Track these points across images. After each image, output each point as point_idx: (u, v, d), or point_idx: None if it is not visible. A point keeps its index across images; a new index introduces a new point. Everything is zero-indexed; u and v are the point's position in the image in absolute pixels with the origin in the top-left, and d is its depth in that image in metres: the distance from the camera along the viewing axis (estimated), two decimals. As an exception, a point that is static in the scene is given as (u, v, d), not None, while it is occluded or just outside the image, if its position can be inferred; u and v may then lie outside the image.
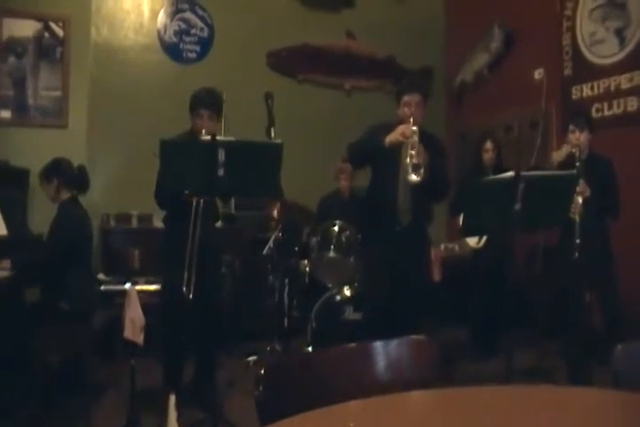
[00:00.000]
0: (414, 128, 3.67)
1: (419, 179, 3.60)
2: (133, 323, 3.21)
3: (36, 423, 3.48)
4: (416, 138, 3.65)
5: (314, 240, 4.75)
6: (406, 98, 3.86)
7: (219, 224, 4.46)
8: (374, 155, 3.86)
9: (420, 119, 3.79)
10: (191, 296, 3.34)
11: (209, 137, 2.94)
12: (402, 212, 3.90)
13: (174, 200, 3.54)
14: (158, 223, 4.82)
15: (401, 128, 3.70)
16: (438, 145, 4.00)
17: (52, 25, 5.51)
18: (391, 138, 3.72)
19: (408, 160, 3.63)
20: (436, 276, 5.04)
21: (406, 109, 3.83)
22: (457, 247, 6.09)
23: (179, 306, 3.55)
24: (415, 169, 3.60)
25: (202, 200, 3.45)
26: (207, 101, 3.70)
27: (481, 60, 6.63)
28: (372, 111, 5.51)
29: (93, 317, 4.13)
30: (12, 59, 5.42)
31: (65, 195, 4.07)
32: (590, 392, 1.63)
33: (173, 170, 2.94)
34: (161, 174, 3.08)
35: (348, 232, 4.65)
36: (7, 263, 3.92)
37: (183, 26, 6.32)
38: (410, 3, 7.13)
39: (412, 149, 3.63)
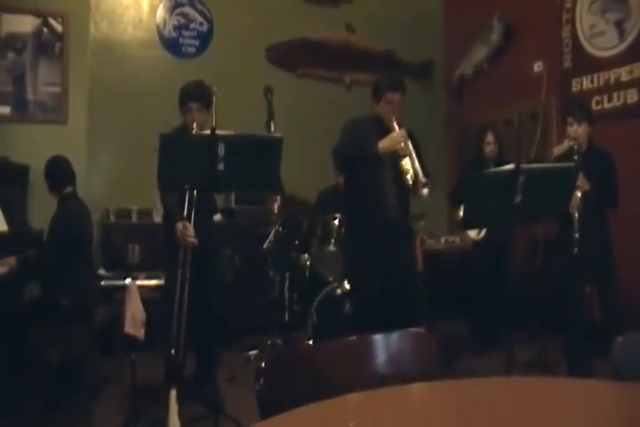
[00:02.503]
0: (404, 133, 3.71)
1: (428, 191, 3.65)
2: (134, 318, 3.22)
3: (36, 421, 3.48)
4: (410, 145, 3.68)
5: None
6: (389, 96, 3.85)
7: (218, 218, 4.44)
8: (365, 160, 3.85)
9: (400, 118, 3.79)
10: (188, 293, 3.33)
11: (209, 131, 2.91)
12: (390, 208, 3.90)
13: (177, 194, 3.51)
14: (158, 218, 4.83)
15: (396, 137, 3.70)
16: (417, 143, 3.99)
17: (51, 20, 5.48)
18: (386, 145, 3.71)
19: (411, 171, 3.67)
20: (420, 266, 5.07)
21: (389, 108, 3.83)
22: (458, 240, 6.09)
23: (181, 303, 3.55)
24: (425, 186, 3.65)
25: (196, 192, 3.41)
26: (195, 94, 3.66)
27: (480, 53, 6.61)
28: (371, 105, 5.49)
29: (94, 312, 4.14)
30: (10, 55, 5.40)
31: (63, 191, 4.08)
32: (591, 383, 1.63)
33: (173, 165, 2.92)
34: (160, 169, 3.06)
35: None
36: (11, 260, 3.92)
37: (182, 20, 6.30)
38: (409, -4, 7.11)
39: (408, 156, 3.67)
